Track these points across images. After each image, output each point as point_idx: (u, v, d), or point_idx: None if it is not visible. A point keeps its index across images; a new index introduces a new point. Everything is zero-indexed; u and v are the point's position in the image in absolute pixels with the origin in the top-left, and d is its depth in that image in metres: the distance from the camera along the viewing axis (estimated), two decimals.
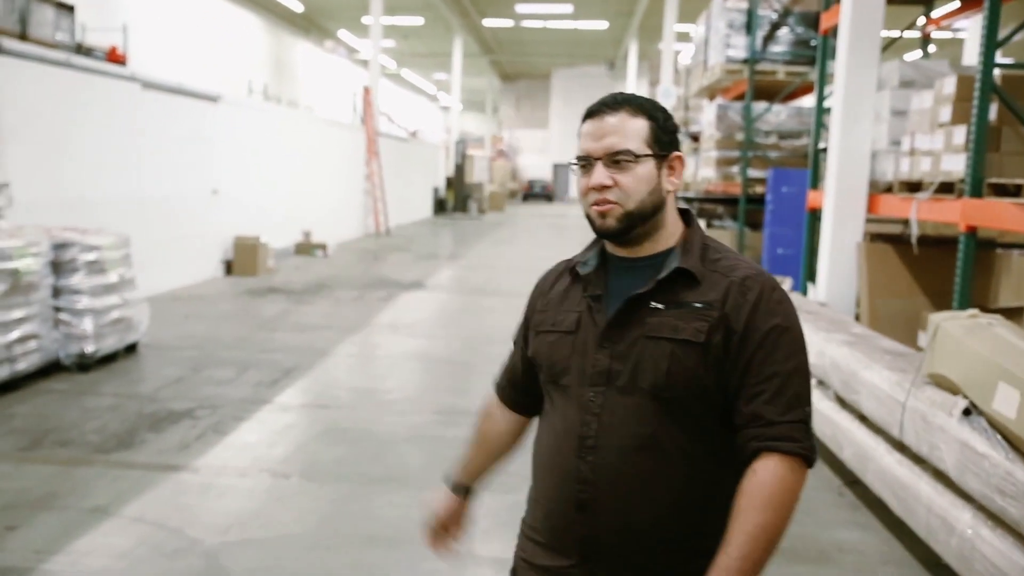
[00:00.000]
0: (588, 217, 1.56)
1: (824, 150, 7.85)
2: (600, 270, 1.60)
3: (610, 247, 1.60)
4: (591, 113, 1.56)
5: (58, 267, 5.78)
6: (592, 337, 1.53)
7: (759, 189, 10.91)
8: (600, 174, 1.51)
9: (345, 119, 21.60)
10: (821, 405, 4.65)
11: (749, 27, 10.80)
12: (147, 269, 8.87)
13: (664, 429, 1.47)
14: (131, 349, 6.48)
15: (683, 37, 23.38)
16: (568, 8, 27.23)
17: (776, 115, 10.88)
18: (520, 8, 27.45)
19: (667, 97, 18.22)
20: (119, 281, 6.22)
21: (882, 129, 6.15)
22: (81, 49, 9.15)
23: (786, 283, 7.76)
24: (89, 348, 5.85)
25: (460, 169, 27.23)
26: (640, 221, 1.52)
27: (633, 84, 31.44)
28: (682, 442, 1.47)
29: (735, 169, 11.05)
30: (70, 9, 8.88)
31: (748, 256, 10.65)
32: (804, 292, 7.81)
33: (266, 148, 12.46)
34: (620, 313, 1.52)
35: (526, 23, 29.93)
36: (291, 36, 28.08)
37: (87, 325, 5.84)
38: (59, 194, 7.46)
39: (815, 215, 8.18)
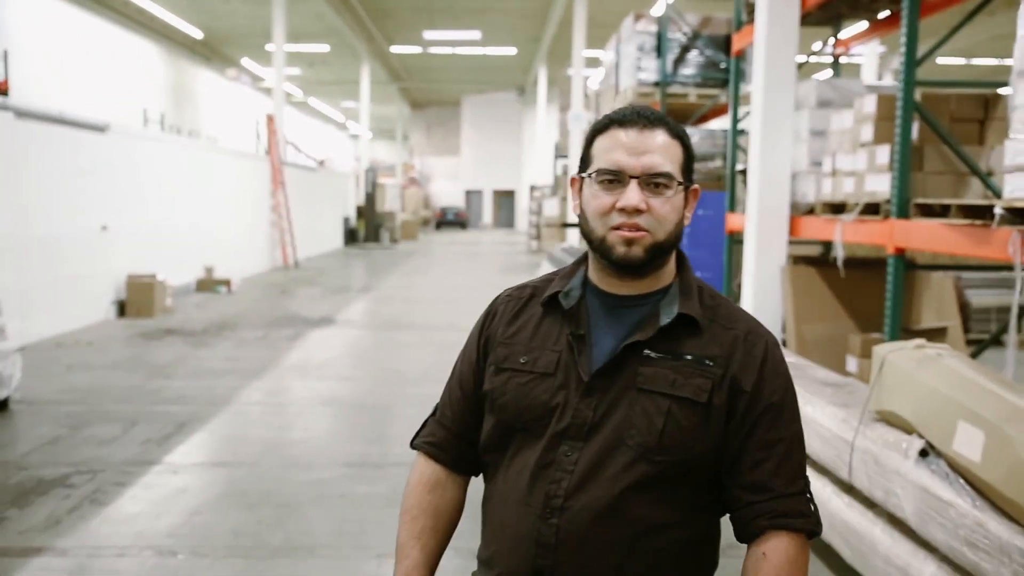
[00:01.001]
0: (602, 241, 1.37)
1: (742, 172, 7.73)
2: (582, 303, 1.43)
3: (597, 278, 1.44)
4: (619, 122, 1.39)
5: None
6: (574, 384, 1.37)
7: None
8: (635, 195, 1.34)
9: (249, 149, 20.89)
10: None
11: (659, 50, 10.74)
12: (26, 315, 8.15)
13: (643, 494, 1.32)
14: (0, 407, 5.81)
15: (592, 63, 23.51)
16: (476, 35, 27.15)
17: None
18: (428, 35, 27.24)
19: (577, 122, 18.18)
20: None
21: (802, 150, 6.01)
22: None
23: None
24: None
25: (371, 198, 26.69)
26: (662, 254, 1.39)
27: (543, 110, 31.53)
28: (660, 509, 1.33)
29: None
30: None
31: None
32: None
33: (162, 180, 11.77)
34: (613, 360, 1.36)
35: (434, 50, 29.73)
36: (191, 64, 27.17)
37: None
38: None
39: (734, 238, 8.05)
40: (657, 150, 1.35)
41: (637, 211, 1.33)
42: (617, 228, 1.34)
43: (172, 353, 8.15)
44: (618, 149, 1.36)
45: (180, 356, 8.00)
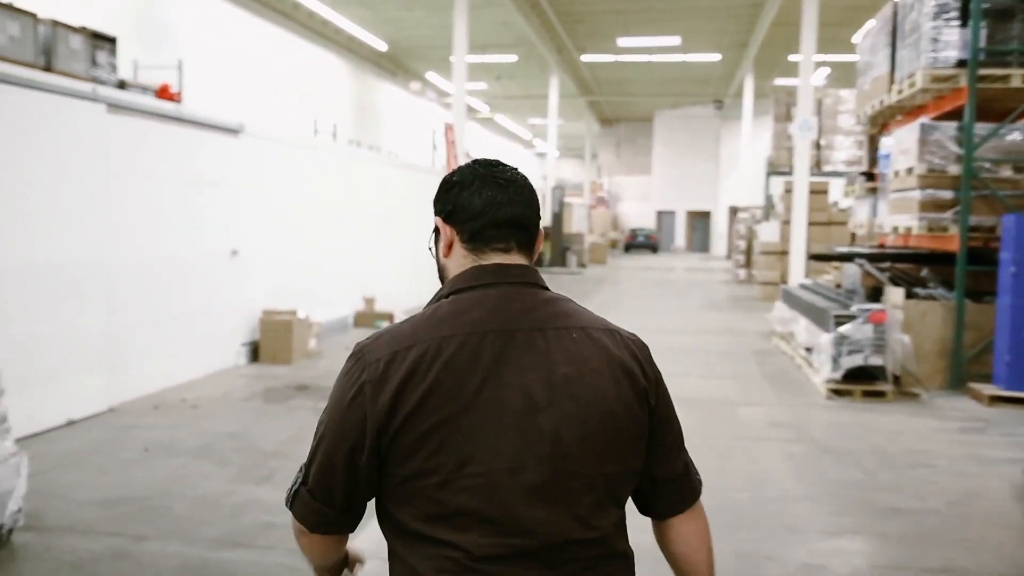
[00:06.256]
0: None
1: None
2: None
3: None
4: None
5: None
6: None
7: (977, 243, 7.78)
8: None
9: (424, 162, 19.18)
10: None
11: (964, 18, 7.69)
12: (122, 365, 6.30)
13: None
14: None
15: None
16: (675, 40, 24.43)
17: (1010, 139, 7.67)
18: (622, 42, 24.78)
19: (807, 130, 15.13)
20: None
21: None
22: (124, 85, 7.09)
23: None
24: None
25: (558, 218, 24.47)
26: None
27: (748, 122, 28.26)
28: None
29: (947, 215, 7.83)
30: (110, 40, 6.81)
31: (968, 336, 7.11)
32: None
33: (312, 195, 9.83)
34: None
35: (628, 58, 27.21)
36: (376, 78, 26.12)
37: None
38: None
39: None
40: None
41: None
42: None
43: (290, 426, 5.98)
44: None
45: (298, 432, 5.79)
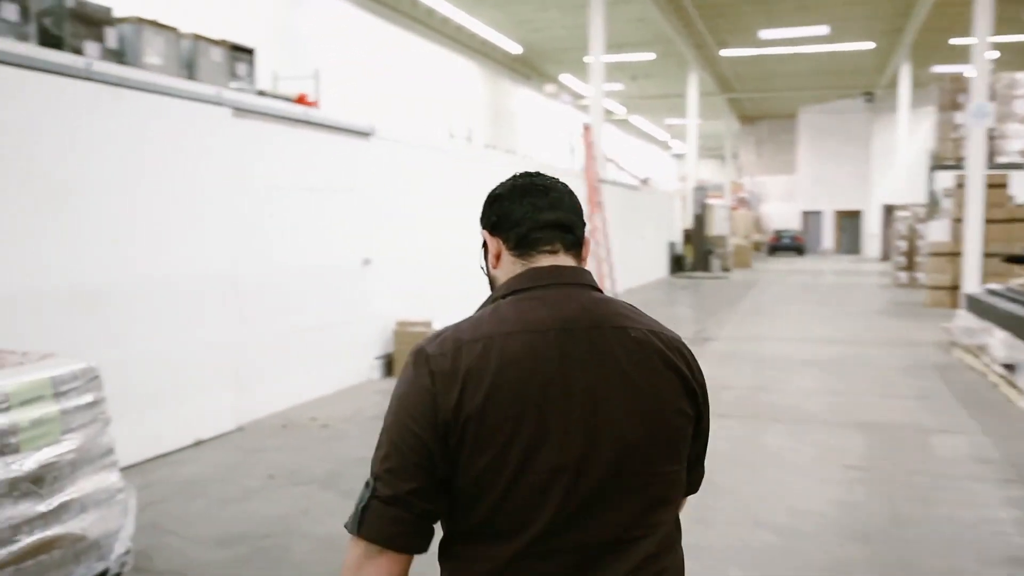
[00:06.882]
0: None
1: None
2: None
3: None
4: None
5: None
6: None
7: None
8: None
9: (560, 164, 18.62)
10: None
11: None
12: (249, 384, 6.00)
13: None
14: None
15: (961, 54, 18.52)
16: (823, 30, 22.91)
17: None
18: (765, 34, 23.45)
19: (982, 117, 13.66)
20: (52, 465, 3.14)
21: None
22: (264, 95, 7.02)
23: None
24: None
25: (699, 221, 23.37)
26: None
27: (906, 113, 26.29)
28: None
29: None
30: (248, 52, 6.73)
31: None
32: None
33: (446, 199, 9.42)
34: None
35: (772, 50, 25.81)
36: (510, 82, 25.83)
37: None
38: (70, 277, 4.65)
39: None
40: None
41: None
42: None
43: None
44: None
45: None
